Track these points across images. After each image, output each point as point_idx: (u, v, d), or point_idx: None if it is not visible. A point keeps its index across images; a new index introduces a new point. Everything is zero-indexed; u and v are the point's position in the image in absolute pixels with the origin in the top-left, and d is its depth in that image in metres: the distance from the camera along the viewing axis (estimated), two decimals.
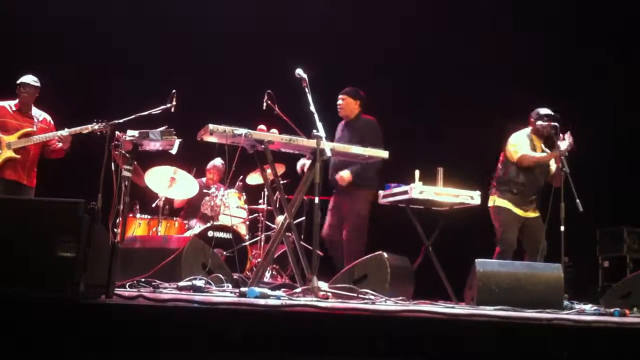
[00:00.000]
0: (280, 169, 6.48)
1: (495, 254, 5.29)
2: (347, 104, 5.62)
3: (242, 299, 3.28)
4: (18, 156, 5.32)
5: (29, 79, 5.51)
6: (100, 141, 4.98)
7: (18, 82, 5.50)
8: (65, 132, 5.38)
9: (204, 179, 7.08)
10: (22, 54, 7.22)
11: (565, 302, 4.39)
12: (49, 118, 5.64)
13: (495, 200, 5.45)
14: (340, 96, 5.65)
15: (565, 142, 5.24)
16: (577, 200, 4.99)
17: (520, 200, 5.41)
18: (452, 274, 5.28)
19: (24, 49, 7.32)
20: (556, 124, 5.32)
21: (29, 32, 7.46)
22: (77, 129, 5.34)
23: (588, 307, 4.40)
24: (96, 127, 5.17)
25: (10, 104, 5.49)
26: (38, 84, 5.52)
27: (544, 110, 5.54)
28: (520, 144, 5.49)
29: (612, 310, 3.96)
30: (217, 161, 7.08)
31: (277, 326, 2.50)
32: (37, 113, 5.58)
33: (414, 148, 7.13)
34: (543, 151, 5.53)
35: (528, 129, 5.61)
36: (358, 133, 5.41)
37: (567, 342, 2.70)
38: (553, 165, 5.51)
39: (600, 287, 7.56)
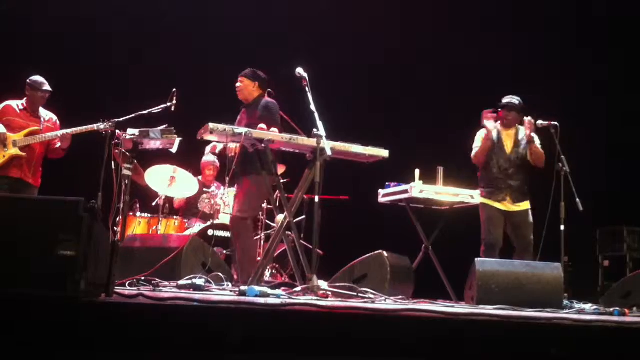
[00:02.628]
0: (281, 168, 6.48)
1: (481, 252, 5.27)
2: (245, 86, 5.25)
3: (242, 298, 3.29)
4: (23, 154, 5.38)
5: (44, 84, 5.54)
6: (100, 140, 4.99)
7: (29, 83, 5.52)
8: (68, 131, 5.42)
9: (199, 177, 7.06)
10: (22, 54, 7.22)
11: (565, 302, 4.40)
12: (55, 118, 5.69)
13: (479, 199, 5.44)
14: (239, 78, 5.32)
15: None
16: (577, 200, 5.00)
17: (496, 194, 5.39)
18: (452, 273, 5.28)
19: (24, 49, 7.33)
20: (556, 123, 5.32)
21: (29, 32, 7.47)
22: (83, 128, 5.38)
23: (588, 307, 4.40)
24: (102, 126, 5.20)
25: (17, 104, 5.55)
26: (49, 89, 5.58)
27: (506, 99, 5.55)
28: (475, 144, 5.57)
29: (611, 309, 3.96)
30: (213, 157, 7.07)
31: (277, 325, 2.50)
32: (44, 113, 5.64)
33: (414, 147, 7.13)
34: (518, 143, 5.49)
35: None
36: (255, 116, 5.10)
37: (567, 342, 2.70)
38: (523, 148, 5.49)
39: (600, 286, 7.56)
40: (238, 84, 5.32)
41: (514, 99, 5.54)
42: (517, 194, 5.40)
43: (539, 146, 5.45)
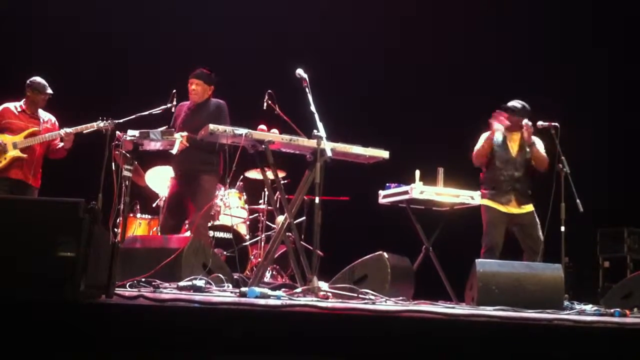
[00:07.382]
0: (281, 173, 6.47)
1: (481, 254, 5.27)
2: (203, 90, 5.38)
3: (243, 299, 3.28)
4: (24, 155, 5.39)
5: (47, 87, 5.54)
6: (101, 141, 4.99)
7: (31, 85, 5.52)
8: (69, 130, 5.42)
9: None
10: (22, 54, 7.23)
11: (566, 303, 4.39)
12: (54, 119, 5.71)
13: (481, 200, 5.42)
14: (195, 80, 5.38)
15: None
16: (578, 201, 4.99)
17: (500, 196, 5.38)
18: (453, 274, 5.28)
19: (24, 49, 7.33)
20: (556, 124, 5.31)
21: (29, 32, 7.47)
22: (82, 127, 5.38)
23: (588, 308, 4.39)
24: (102, 124, 5.21)
25: (15, 105, 5.55)
26: (51, 92, 5.58)
27: (510, 103, 5.51)
28: (477, 146, 5.56)
29: (612, 310, 3.95)
30: None
31: (277, 326, 2.50)
32: (43, 114, 5.66)
33: (414, 148, 7.13)
34: (524, 146, 5.46)
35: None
36: (208, 115, 5.25)
37: (568, 343, 2.70)
38: (529, 152, 5.47)
39: (601, 287, 7.55)
40: (194, 87, 5.37)
41: (518, 103, 5.51)
42: (522, 197, 5.39)
43: (542, 150, 5.43)
